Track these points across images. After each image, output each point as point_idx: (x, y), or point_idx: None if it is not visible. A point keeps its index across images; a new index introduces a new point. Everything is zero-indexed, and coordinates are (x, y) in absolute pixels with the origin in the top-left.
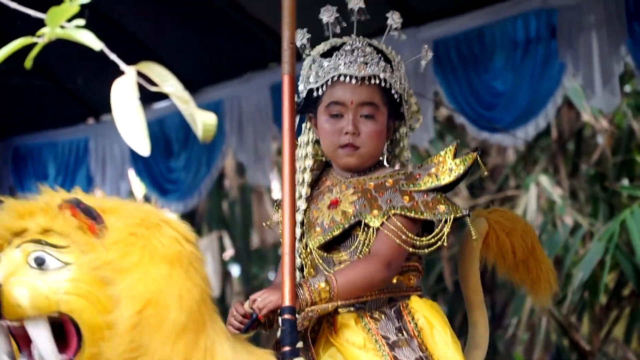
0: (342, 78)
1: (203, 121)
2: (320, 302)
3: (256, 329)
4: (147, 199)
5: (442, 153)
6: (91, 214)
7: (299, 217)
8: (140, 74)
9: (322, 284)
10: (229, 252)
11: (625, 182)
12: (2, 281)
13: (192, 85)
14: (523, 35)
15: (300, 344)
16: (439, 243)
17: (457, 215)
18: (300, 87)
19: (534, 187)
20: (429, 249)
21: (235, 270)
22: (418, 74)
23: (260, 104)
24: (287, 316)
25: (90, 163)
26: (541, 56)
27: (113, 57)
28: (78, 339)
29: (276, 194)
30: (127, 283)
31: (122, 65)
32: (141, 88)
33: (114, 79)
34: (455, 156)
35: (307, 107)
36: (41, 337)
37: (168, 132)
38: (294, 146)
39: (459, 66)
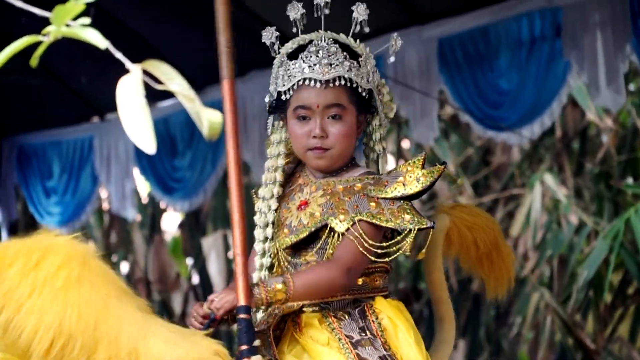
0: (307, 82)
1: (209, 119)
2: (276, 302)
3: (217, 326)
4: (152, 198)
5: (411, 162)
6: None
7: (270, 216)
8: (145, 72)
9: (279, 285)
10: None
11: (630, 180)
12: None
13: (196, 84)
14: (528, 34)
15: (257, 342)
16: (400, 252)
17: (422, 226)
18: (271, 88)
19: (539, 185)
20: (389, 258)
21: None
22: (423, 72)
23: (264, 103)
24: (242, 315)
25: (95, 161)
26: (546, 55)
27: (118, 55)
28: None
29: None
30: (30, 328)
31: (128, 64)
32: (146, 86)
33: (119, 77)
34: (423, 167)
35: (278, 108)
36: None
37: (173, 130)
38: (237, 153)
39: (464, 65)
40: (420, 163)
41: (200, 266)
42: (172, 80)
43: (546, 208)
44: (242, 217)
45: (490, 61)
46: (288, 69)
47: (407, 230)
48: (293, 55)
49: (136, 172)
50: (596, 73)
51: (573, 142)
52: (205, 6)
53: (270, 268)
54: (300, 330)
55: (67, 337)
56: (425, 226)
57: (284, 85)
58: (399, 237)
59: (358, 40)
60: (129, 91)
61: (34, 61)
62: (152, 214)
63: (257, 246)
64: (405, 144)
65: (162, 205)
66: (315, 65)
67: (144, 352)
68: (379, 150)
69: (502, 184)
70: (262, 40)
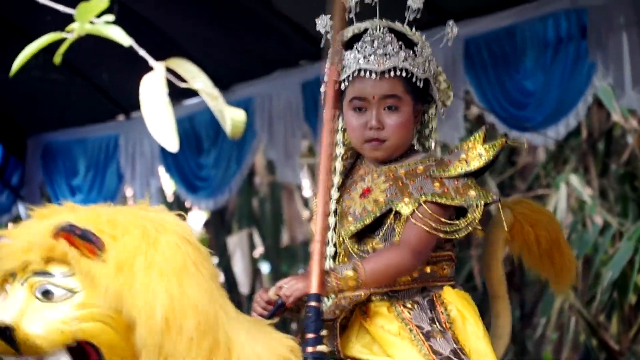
0: (362, 73)
1: (232, 118)
2: (348, 289)
3: (282, 315)
4: (177, 196)
5: (472, 139)
6: (87, 237)
7: (332, 205)
8: (169, 70)
9: (350, 272)
10: (259, 250)
11: None
12: (13, 322)
13: (223, 83)
14: (553, 35)
15: (324, 332)
16: (470, 228)
17: (488, 200)
18: (325, 78)
19: (564, 186)
20: (461, 234)
21: (265, 267)
22: (448, 72)
23: (291, 102)
24: (312, 303)
25: (120, 159)
26: (571, 56)
27: (142, 53)
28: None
29: (306, 192)
30: (139, 303)
31: (151, 62)
32: (172, 84)
33: (142, 75)
34: (484, 141)
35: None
36: None
37: (198, 128)
38: (333, 138)
39: (490, 65)
40: (482, 138)
41: (225, 265)
42: (196, 78)
43: (571, 209)
44: (325, 205)
45: (515, 62)
46: (343, 59)
47: (474, 205)
48: (348, 45)
49: (161, 170)
50: (621, 74)
51: (598, 143)
52: (230, 6)
53: (334, 257)
54: (369, 319)
55: (177, 318)
56: (491, 200)
57: (340, 76)
58: (469, 215)
59: (414, 28)
60: (152, 89)
61: (57, 58)
62: (177, 213)
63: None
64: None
65: (187, 204)
66: (370, 55)
67: (235, 342)
68: (435, 139)
69: (528, 184)
70: (317, 29)
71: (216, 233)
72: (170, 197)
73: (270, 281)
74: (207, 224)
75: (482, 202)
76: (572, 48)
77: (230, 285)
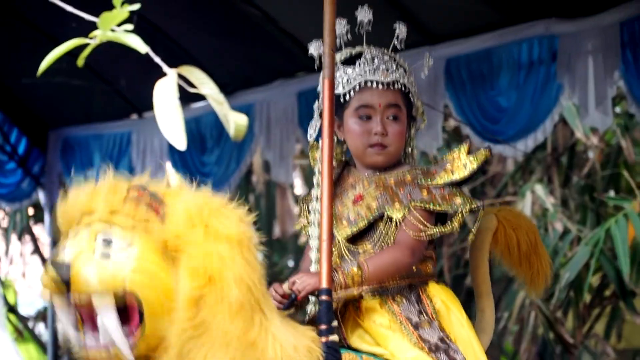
0: (369, 84)
1: (235, 121)
2: (353, 285)
3: (292, 308)
4: None
5: (457, 150)
6: (156, 198)
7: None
8: (180, 76)
9: (355, 269)
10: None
11: (612, 193)
12: (72, 260)
13: (227, 89)
14: (526, 58)
15: (335, 323)
16: (452, 229)
17: (472, 207)
18: (322, 91)
19: (530, 194)
20: (443, 234)
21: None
22: (430, 87)
23: (287, 109)
24: (324, 297)
25: (132, 154)
26: (542, 77)
27: (157, 59)
28: (140, 316)
29: (298, 190)
30: (189, 261)
31: (165, 68)
32: (181, 89)
33: (156, 79)
34: (469, 153)
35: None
36: (107, 311)
37: (203, 129)
38: (332, 142)
39: (468, 83)
40: (466, 150)
41: None
42: (204, 84)
43: (535, 215)
44: (330, 205)
45: (491, 80)
46: (346, 74)
47: (459, 211)
48: (348, 62)
49: (168, 165)
50: (586, 96)
51: (562, 157)
52: (237, 20)
53: None
54: (362, 315)
55: (220, 286)
56: (475, 206)
57: (343, 88)
58: (454, 219)
59: (398, 55)
60: (165, 92)
61: (80, 61)
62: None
63: (313, 242)
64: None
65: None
66: (375, 69)
67: (272, 326)
68: (415, 155)
69: (497, 191)
70: (310, 52)
71: None
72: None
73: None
74: None
75: (467, 209)
76: (542, 70)
77: None
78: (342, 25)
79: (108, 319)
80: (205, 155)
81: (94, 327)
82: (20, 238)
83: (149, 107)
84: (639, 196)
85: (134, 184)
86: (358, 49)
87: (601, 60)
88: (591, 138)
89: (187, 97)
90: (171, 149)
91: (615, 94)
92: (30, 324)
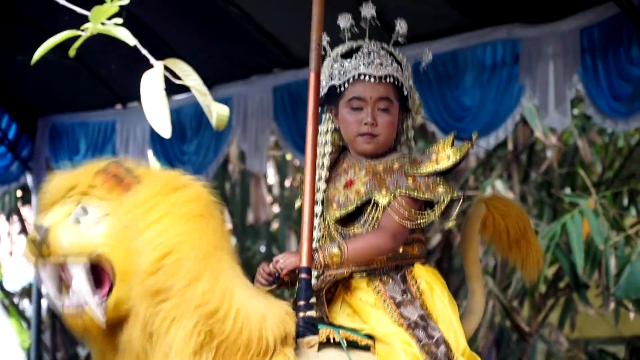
0: (362, 77)
1: (217, 112)
2: (332, 265)
3: (280, 286)
4: None
5: (442, 142)
6: (131, 173)
7: (319, 196)
8: (166, 68)
9: (335, 250)
10: (228, 226)
11: (568, 190)
12: (50, 224)
13: (206, 83)
14: (490, 60)
15: (313, 299)
16: (434, 218)
17: (454, 196)
18: (323, 83)
19: (490, 189)
20: (426, 223)
21: (232, 242)
22: None
23: (263, 103)
24: (303, 275)
25: (116, 142)
26: (504, 79)
27: (144, 52)
28: (111, 283)
29: (271, 179)
30: (150, 235)
31: (152, 60)
32: (166, 80)
33: (140, 72)
34: (452, 145)
35: (329, 100)
36: (79, 273)
37: (183, 120)
38: (316, 132)
39: (435, 82)
40: (450, 142)
41: None
42: (189, 76)
43: None
44: (312, 189)
45: (456, 80)
46: (343, 66)
47: (442, 200)
48: (346, 55)
49: (150, 153)
50: (546, 97)
51: (522, 155)
52: (217, 17)
53: (318, 240)
54: (350, 293)
55: (177, 257)
56: (456, 196)
57: (339, 79)
58: (436, 207)
59: (397, 50)
60: (152, 83)
61: (72, 52)
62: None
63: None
64: None
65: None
66: (369, 63)
67: (236, 294)
68: (411, 145)
69: (459, 186)
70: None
71: None
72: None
73: (235, 254)
74: None
75: (449, 197)
76: (505, 72)
77: None
78: (346, 20)
79: (80, 280)
80: (185, 145)
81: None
82: (8, 218)
83: (133, 97)
84: (594, 194)
85: (112, 161)
86: (359, 42)
87: (561, 64)
88: (550, 138)
89: (168, 89)
90: (153, 137)
91: (573, 96)
92: (15, 300)
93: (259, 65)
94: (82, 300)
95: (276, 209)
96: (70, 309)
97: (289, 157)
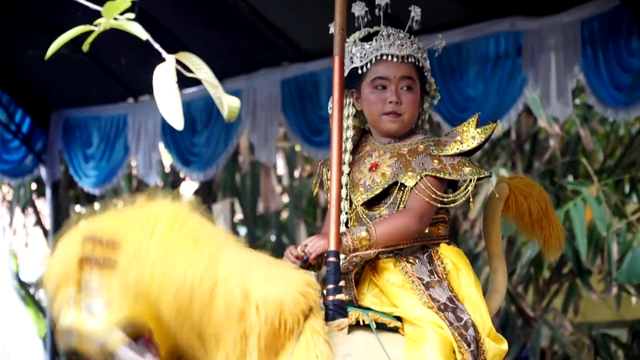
0: (384, 57)
1: (229, 104)
2: (361, 248)
3: (308, 269)
4: (173, 168)
5: (466, 123)
6: (110, 245)
7: (344, 179)
8: (178, 62)
9: (363, 233)
10: (239, 216)
11: (571, 178)
12: (72, 324)
13: (217, 76)
14: (493, 52)
15: (342, 283)
16: (463, 199)
17: (480, 176)
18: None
19: (495, 178)
20: (454, 204)
21: (242, 231)
22: None
23: (271, 96)
24: (331, 259)
25: (128, 135)
26: (507, 70)
27: (157, 46)
28: (154, 344)
29: (280, 170)
30: (155, 282)
31: (164, 54)
32: (177, 74)
33: (152, 66)
34: (477, 126)
35: (350, 84)
36: (119, 349)
37: (194, 113)
38: (342, 114)
39: (439, 74)
40: (475, 123)
41: None
42: (200, 69)
43: None
44: (339, 175)
45: (460, 72)
46: (364, 48)
47: (468, 180)
48: (365, 39)
49: (161, 146)
50: (548, 88)
51: (525, 144)
52: (227, 13)
53: (346, 224)
54: (377, 274)
55: (189, 284)
56: (483, 175)
57: (360, 61)
58: (462, 188)
59: (413, 36)
60: (164, 77)
61: (85, 46)
62: (173, 182)
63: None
64: None
65: (182, 174)
66: (391, 44)
67: (252, 287)
68: (425, 129)
69: None
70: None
71: (204, 200)
72: (167, 169)
73: (245, 243)
74: (196, 192)
75: (475, 177)
76: (508, 63)
77: None
78: (360, 7)
79: (123, 353)
80: (196, 137)
81: None
82: (23, 211)
83: (145, 91)
84: (596, 182)
85: (87, 238)
86: (376, 28)
87: (562, 55)
88: (553, 127)
89: (179, 83)
90: (164, 130)
91: (575, 86)
92: (31, 290)
93: (267, 59)
94: None
95: (286, 199)
96: None
97: (297, 148)
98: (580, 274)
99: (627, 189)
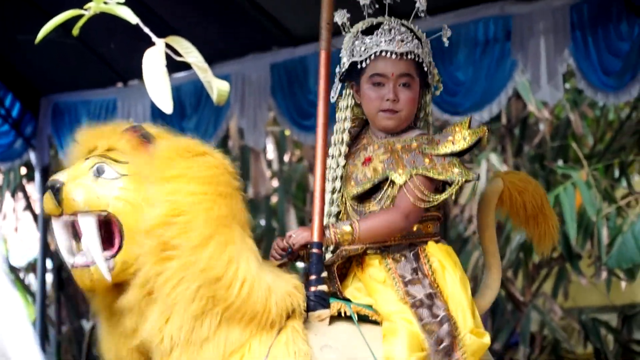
0: (384, 53)
1: (218, 87)
2: (343, 242)
3: (295, 260)
4: None
5: (459, 124)
6: (147, 137)
7: (338, 171)
8: (167, 46)
9: (347, 228)
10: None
11: (561, 162)
12: (66, 180)
13: (206, 60)
14: (483, 36)
15: (324, 274)
16: (447, 197)
17: (468, 178)
18: (344, 60)
19: (485, 162)
20: (438, 203)
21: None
22: None
23: (260, 80)
24: (315, 250)
25: (117, 120)
26: (497, 54)
27: (146, 30)
28: (120, 240)
29: (270, 155)
30: (164, 191)
31: (154, 38)
32: (166, 57)
33: (141, 50)
34: (469, 127)
35: (350, 76)
36: (88, 230)
37: (183, 98)
38: (327, 109)
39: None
40: (467, 124)
41: None
42: (190, 53)
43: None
44: (323, 168)
45: (450, 56)
46: (364, 42)
47: (456, 181)
48: (367, 32)
49: None
50: (538, 72)
51: (515, 128)
52: None
53: (337, 215)
54: (362, 269)
55: (188, 218)
56: (470, 178)
57: (360, 56)
58: (450, 188)
59: (416, 27)
60: (153, 60)
61: (75, 31)
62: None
63: (326, 196)
64: None
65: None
66: (391, 40)
67: (243, 264)
68: (430, 120)
69: None
70: (334, 20)
71: None
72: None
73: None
74: None
75: (463, 179)
76: (498, 47)
77: None
78: None
79: (89, 238)
80: (185, 122)
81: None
82: (13, 195)
83: (134, 75)
84: (585, 166)
85: (132, 125)
86: (379, 19)
87: (552, 40)
88: (542, 111)
89: (168, 67)
90: (154, 114)
91: (565, 71)
92: (21, 275)
93: (257, 43)
94: (90, 259)
95: (275, 183)
96: (79, 265)
97: (287, 132)
98: (570, 259)
99: (616, 173)
